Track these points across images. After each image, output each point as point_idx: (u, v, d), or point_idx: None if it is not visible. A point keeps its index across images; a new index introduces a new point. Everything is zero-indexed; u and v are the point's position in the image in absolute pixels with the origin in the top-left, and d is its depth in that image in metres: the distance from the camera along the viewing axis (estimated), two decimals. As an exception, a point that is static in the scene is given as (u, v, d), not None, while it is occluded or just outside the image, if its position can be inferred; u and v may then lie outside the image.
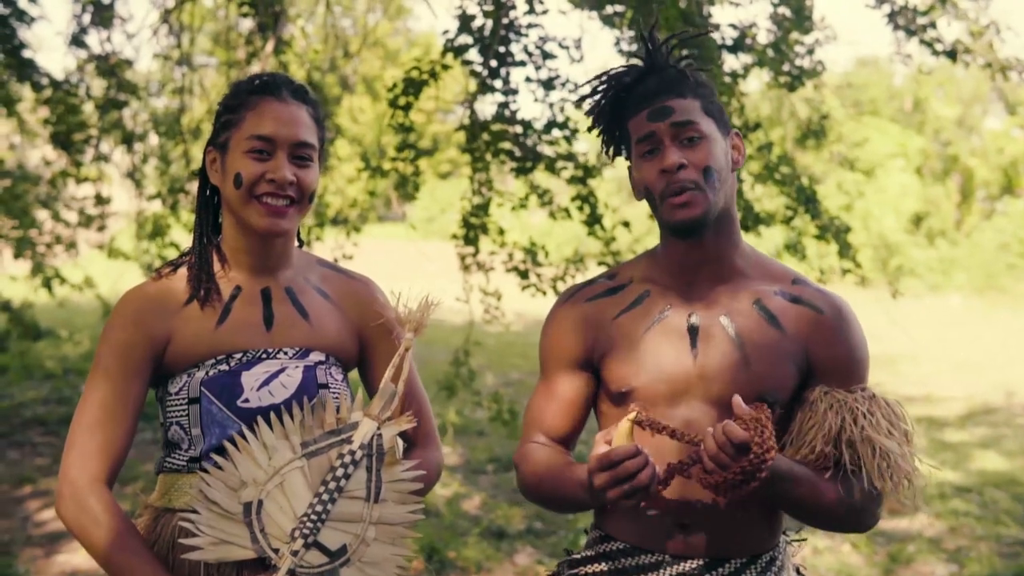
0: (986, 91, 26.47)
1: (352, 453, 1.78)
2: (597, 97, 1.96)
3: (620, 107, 1.92)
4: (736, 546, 1.88)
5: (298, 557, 1.71)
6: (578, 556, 2.00)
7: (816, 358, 1.88)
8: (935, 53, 5.06)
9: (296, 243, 2.03)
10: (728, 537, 1.87)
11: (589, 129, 2.01)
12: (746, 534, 1.89)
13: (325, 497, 1.75)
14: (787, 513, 1.92)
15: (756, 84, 12.51)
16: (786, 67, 5.37)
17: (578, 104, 2.01)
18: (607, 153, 2.02)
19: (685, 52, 1.96)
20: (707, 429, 1.70)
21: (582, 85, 1.99)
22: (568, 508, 1.97)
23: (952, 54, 5.05)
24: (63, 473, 1.78)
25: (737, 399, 1.71)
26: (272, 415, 1.78)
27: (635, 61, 1.95)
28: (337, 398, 1.86)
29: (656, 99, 1.85)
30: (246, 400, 1.80)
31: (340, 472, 1.77)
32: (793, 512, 1.87)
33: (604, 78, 1.95)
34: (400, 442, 1.84)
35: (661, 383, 1.86)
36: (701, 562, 1.86)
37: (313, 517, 1.74)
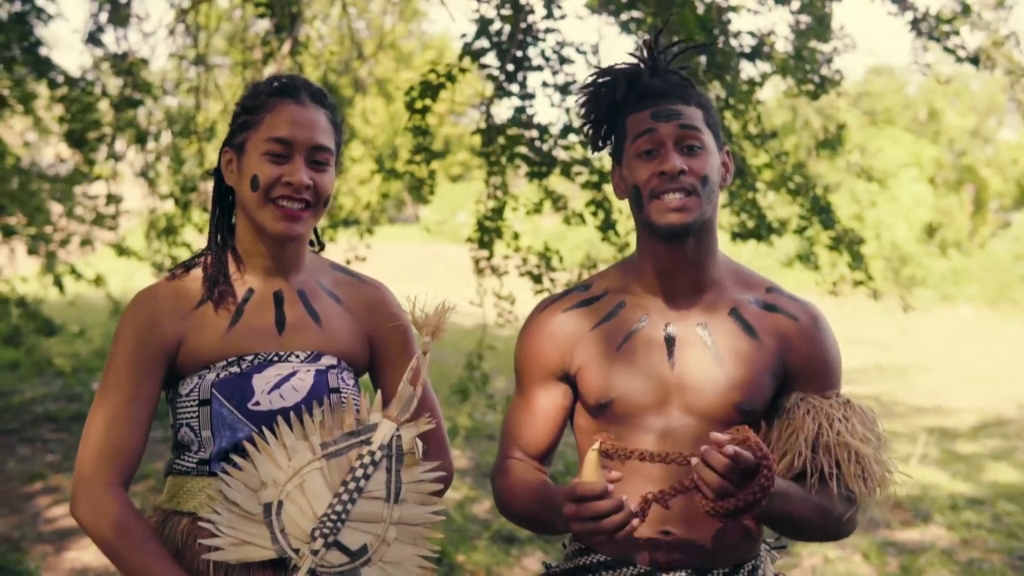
0: (1001, 102, 26.39)
1: (372, 454, 1.78)
2: (596, 87, 1.93)
3: (619, 100, 1.90)
4: (719, 556, 1.87)
5: (318, 557, 1.71)
6: (557, 570, 1.98)
7: (792, 365, 1.88)
8: (959, 60, 5.04)
9: (317, 246, 2.03)
10: (711, 547, 1.86)
11: (580, 117, 1.97)
12: (729, 543, 1.87)
13: (345, 497, 1.75)
14: (769, 526, 1.89)
15: (769, 92, 12.49)
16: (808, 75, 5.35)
17: (578, 92, 1.97)
18: (591, 145, 1.99)
19: (686, 65, 1.97)
20: (701, 449, 1.60)
21: (586, 77, 1.96)
22: (542, 530, 1.95)
23: (975, 60, 5.02)
24: (77, 475, 1.77)
25: (715, 435, 1.60)
26: (292, 415, 1.78)
27: (635, 61, 1.92)
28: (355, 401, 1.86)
29: (662, 100, 1.84)
30: (257, 403, 1.79)
31: (360, 473, 1.77)
32: (776, 525, 1.85)
33: (608, 69, 1.93)
34: (420, 443, 1.83)
35: (639, 394, 1.85)
36: (685, 573, 1.84)
37: (333, 517, 1.73)
